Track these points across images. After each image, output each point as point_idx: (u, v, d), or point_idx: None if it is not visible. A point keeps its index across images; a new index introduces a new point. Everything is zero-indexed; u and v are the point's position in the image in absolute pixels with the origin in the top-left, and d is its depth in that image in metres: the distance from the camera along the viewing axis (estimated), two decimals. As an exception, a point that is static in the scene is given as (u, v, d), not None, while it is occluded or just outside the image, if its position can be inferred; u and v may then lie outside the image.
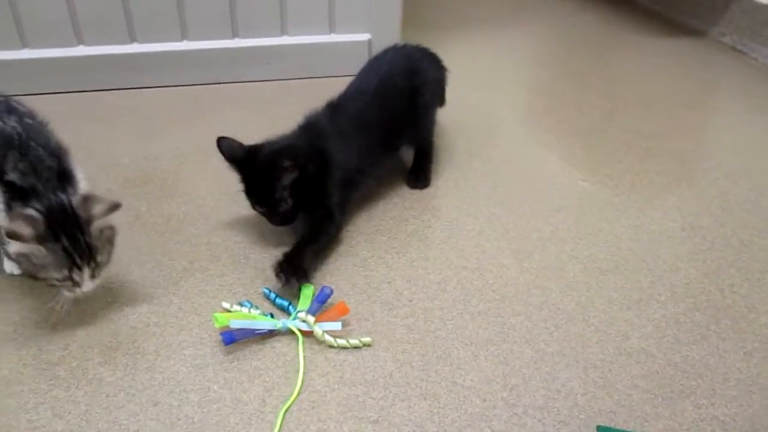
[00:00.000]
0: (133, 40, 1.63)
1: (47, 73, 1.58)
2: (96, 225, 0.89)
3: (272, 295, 1.00)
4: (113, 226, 0.93)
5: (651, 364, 0.90)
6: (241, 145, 1.10)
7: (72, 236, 0.87)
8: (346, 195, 1.15)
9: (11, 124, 0.93)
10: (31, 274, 0.89)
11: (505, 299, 1.01)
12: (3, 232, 0.86)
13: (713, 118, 1.68)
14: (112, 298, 1.00)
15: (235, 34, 1.68)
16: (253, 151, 1.09)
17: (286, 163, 1.05)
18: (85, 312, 0.98)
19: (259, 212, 1.10)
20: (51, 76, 1.59)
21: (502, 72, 1.89)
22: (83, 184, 0.96)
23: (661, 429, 0.81)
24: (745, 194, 1.28)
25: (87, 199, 0.90)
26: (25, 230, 0.84)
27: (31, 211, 0.86)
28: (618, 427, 0.81)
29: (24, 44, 1.56)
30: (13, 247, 0.86)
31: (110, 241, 0.93)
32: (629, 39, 2.09)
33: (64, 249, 0.86)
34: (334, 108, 1.21)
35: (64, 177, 0.93)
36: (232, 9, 1.64)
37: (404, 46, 1.35)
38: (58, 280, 0.88)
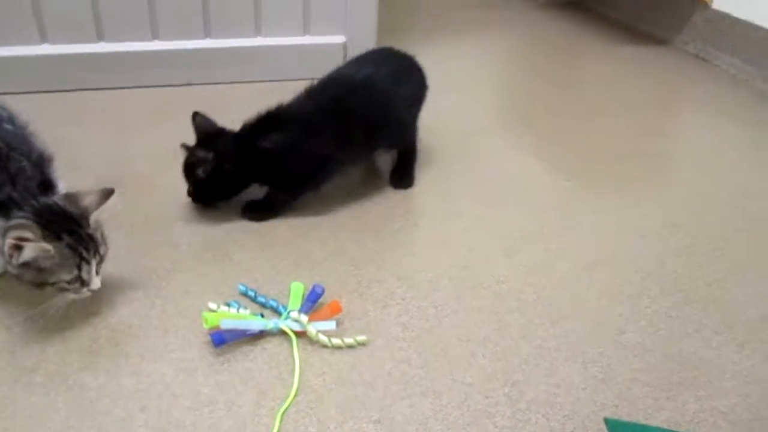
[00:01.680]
0: (101, 38, 1.57)
1: (11, 72, 1.51)
2: (93, 217, 0.85)
3: (251, 293, 0.97)
4: (98, 219, 0.89)
5: (648, 357, 0.90)
6: (213, 124, 1.15)
7: (71, 232, 0.83)
8: (311, 178, 1.16)
9: None
10: (38, 282, 0.84)
11: (499, 296, 1.00)
12: None
13: (682, 121, 1.72)
14: (89, 301, 0.95)
15: (207, 35, 1.64)
16: (214, 134, 1.13)
17: (201, 156, 1.09)
18: (60, 316, 0.92)
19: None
20: (16, 75, 1.52)
21: (476, 76, 1.89)
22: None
23: (665, 420, 0.80)
24: (720, 193, 1.31)
25: (70, 196, 0.85)
26: (28, 233, 0.79)
27: (19, 220, 0.82)
28: (624, 419, 0.80)
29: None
30: (23, 255, 0.81)
31: (104, 234, 0.89)
32: (598, 46, 2.13)
33: (69, 246, 0.82)
34: (311, 93, 1.19)
35: (46, 187, 0.90)
36: (205, 8, 1.60)
37: (397, 51, 1.32)
38: (67, 282, 0.85)
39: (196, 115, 1.15)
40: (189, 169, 1.12)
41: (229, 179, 1.12)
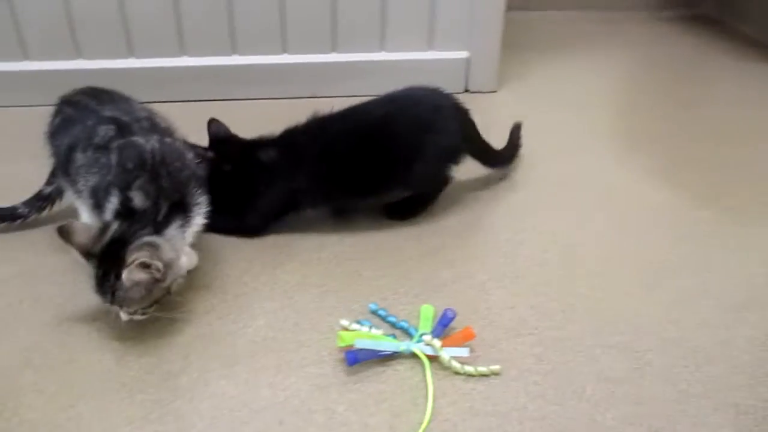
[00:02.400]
0: (234, 52, 1.64)
1: (155, 82, 1.60)
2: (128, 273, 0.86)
3: (381, 312, 0.97)
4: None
5: (810, 413, 0.83)
6: (227, 130, 1.18)
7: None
8: (275, 208, 1.14)
9: (151, 144, 0.94)
10: (159, 296, 0.89)
11: (638, 332, 0.95)
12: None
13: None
14: (227, 310, 0.98)
15: (333, 49, 1.68)
16: (225, 139, 1.17)
17: (200, 153, 1.10)
18: (200, 322, 0.96)
19: None
20: (158, 85, 1.61)
21: (597, 94, 1.83)
22: (198, 219, 0.97)
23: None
24: None
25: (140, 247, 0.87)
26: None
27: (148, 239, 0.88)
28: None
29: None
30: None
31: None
32: (730, 64, 2.00)
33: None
34: (316, 122, 1.17)
35: (180, 209, 0.94)
36: (333, 24, 1.64)
37: (433, 91, 1.20)
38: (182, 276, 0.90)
39: (211, 122, 1.18)
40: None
41: (225, 182, 1.10)
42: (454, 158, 1.19)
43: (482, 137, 1.26)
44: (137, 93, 1.12)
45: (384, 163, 1.13)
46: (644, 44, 2.23)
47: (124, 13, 1.55)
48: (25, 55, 1.57)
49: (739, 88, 1.85)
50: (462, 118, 1.21)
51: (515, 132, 1.38)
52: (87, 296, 0.91)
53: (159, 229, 0.91)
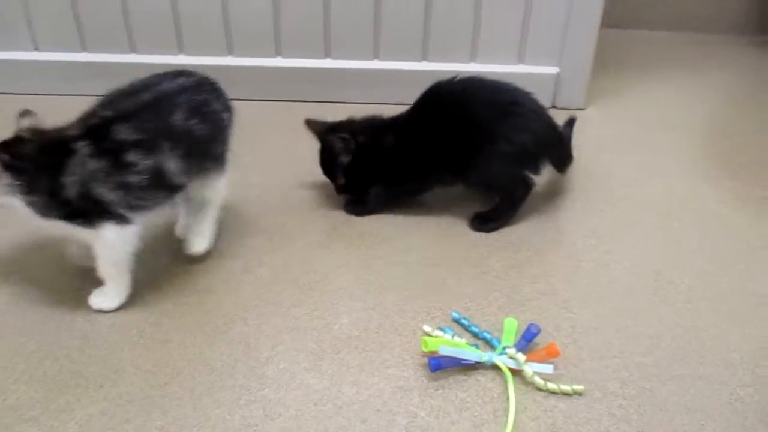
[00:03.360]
0: (327, 55, 1.68)
1: (250, 80, 1.66)
2: None
3: (464, 321, 0.98)
4: None
5: None
6: (326, 121, 1.25)
7: None
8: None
9: None
10: None
11: (729, 366, 0.92)
12: None
13: None
14: (314, 306, 1.01)
15: (424, 58, 1.69)
16: (336, 125, 1.24)
17: (340, 137, 1.19)
18: (288, 315, 0.99)
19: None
20: (254, 83, 1.67)
21: (688, 117, 1.77)
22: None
23: None
24: None
25: None
26: None
27: None
28: None
29: (230, 51, 1.66)
30: None
31: None
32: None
33: None
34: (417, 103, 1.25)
35: None
36: (426, 33, 1.66)
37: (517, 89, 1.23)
38: None
39: (308, 121, 1.25)
40: (331, 158, 1.21)
41: (372, 156, 1.19)
42: (526, 158, 1.19)
43: (567, 145, 1.28)
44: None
45: (462, 144, 1.16)
46: (738, 68, 2.15)
47: (227, 15, 1.61)
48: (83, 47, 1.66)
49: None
50: (543, 123, 1.22)
51: (568, 128, 1.37)
52: (179, 279, 0.95)
53: None
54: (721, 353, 0.94)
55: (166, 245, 1.11)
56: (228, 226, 1.17)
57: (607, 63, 1.93)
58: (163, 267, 1.08)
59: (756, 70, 2.13)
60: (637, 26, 2.47)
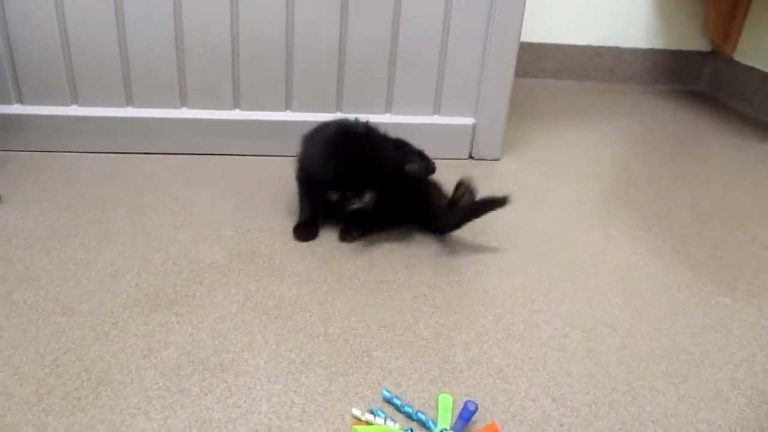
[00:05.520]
0: (236, 106, 1.59)
1: (210, 132, 1.54)
2: None
3: (396, 400, 0.90)
4: None
5: None
6: None
7: None
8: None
9: None
10: None
11: (670, 433, 0.89)
12: None
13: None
14: (228, 391, 0.90)
15: (338, 109, 1.64)
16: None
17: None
18: (198, 405, 0.87)
19: None
20: (212, 135, 1.55)
21: (599, 165, 1.81)
22: None
23: None
24: None
25: None
26: None
27: None
28: None
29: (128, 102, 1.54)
30: None
31: None
32: (733, 142, 2.02)
33: None
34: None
35: None
36: (339, 84, 1.60)
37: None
38: None
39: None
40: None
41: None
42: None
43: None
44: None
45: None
46: (639, 116, 2.25)
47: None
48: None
49: (739, 165, 1.85)
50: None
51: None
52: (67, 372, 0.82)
53: None
54: (660, 419, 0.91)
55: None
56: (125, 301, 1.05)
57: (520, 112, 1.95)
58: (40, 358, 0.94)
59: (655, 118, 2.24)
60: (541, 75, 2.55)
